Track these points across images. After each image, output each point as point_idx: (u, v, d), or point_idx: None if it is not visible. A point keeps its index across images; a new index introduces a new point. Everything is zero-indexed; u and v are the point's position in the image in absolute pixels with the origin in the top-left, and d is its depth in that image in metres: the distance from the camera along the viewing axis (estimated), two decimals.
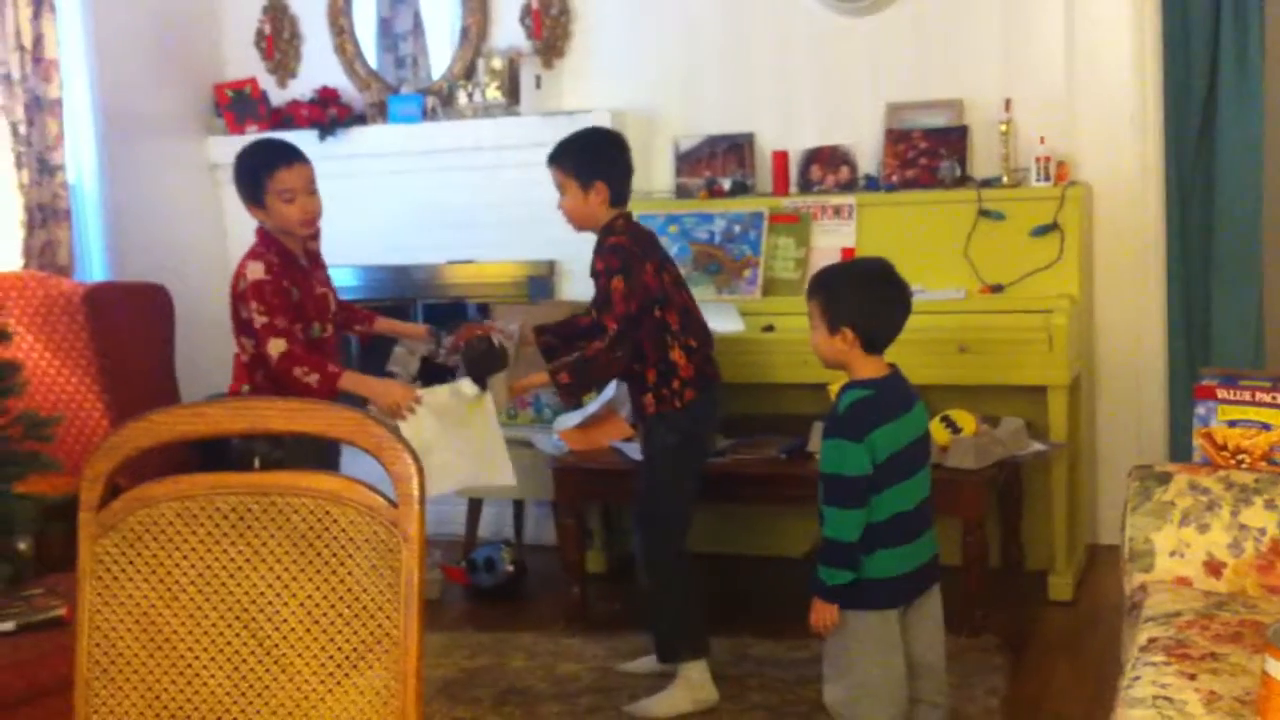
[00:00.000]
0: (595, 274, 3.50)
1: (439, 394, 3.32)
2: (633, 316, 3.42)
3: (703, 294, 4.61)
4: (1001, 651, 3.76)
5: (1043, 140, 4.42)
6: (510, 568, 4.47)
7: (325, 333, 3.47)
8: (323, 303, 3.49)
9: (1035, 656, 3.80)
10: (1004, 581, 4.18)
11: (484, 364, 3.34)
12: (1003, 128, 4.49)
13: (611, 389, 4.41)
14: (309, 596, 1.56)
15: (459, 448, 3.29)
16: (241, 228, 5.48)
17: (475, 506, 4.78)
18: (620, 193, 3.57)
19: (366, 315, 3.74)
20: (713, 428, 3.73)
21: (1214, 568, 2.72)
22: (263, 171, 3.39)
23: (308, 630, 1.56)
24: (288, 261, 3.39)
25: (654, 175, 5.02)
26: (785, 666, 3.73)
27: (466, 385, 3.32)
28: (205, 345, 5.24)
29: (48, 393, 4.11)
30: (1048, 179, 4.40)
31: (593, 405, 4.37)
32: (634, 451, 4.11)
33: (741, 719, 3.46)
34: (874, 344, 2.83)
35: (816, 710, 3.22)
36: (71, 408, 4.09)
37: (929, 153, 4.63)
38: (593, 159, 3.54)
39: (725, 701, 3.54)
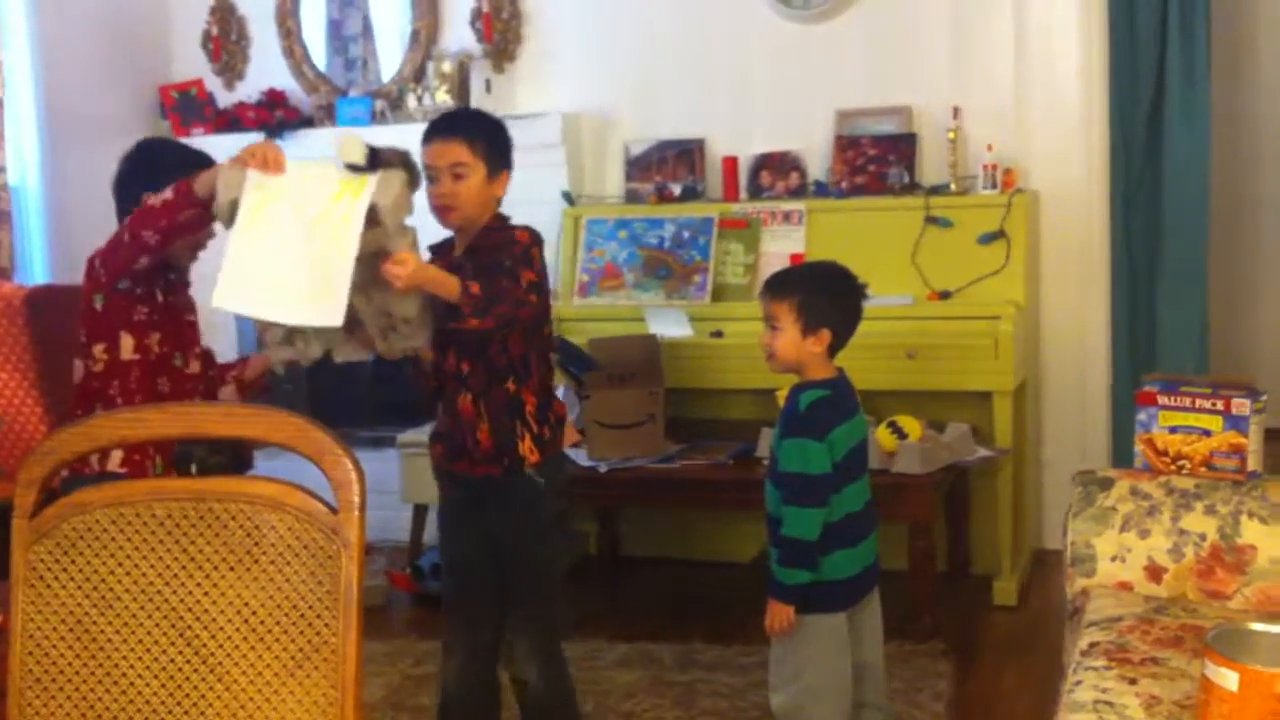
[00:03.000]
0: (508, 242, 2.81)
1: (311, 166, 2.59)
2: (542, 292, 2.80)
3: (652, 299, 4.63)
4: (947, 656, 3.78)
5: (990, 148, 4.46)
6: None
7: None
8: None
9: (981, 661, 3.83)
10: (950, 586, 4.21)
11: (393, 160, 2.56)
12: (951, 135, 4.52)
13: (559, 394, 4.40)
14: (246, 604, 1.54)
15: (299, 255, 2.46)
16: None
17: (420, 512, 4.74)
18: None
19: None
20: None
21: (1155, 573, 2.74)
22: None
23: (245, 638, 1.54)
24: None
25: (605, 179, 5.02)
26: (734, 672, 3.73)
27: (351, 149, 2.50)
28: None
29: None
30: (995, 186, 4.44)
31: None
32: (581, 457, 4.10)
33: None
34: (840, 345, 2.86)
35: (766, 716, 3.22)
36: (10, 412, 4.03)
37: (878, 159, 4.66)
38: (508, 147, 2.94)
39: (674, 708, 3.54)
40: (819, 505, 2.77)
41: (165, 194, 2.59)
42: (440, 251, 2.90)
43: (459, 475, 2.90)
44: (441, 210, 2.85)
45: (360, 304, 2.56)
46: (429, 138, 2.87)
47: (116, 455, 2.56)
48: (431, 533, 4.81)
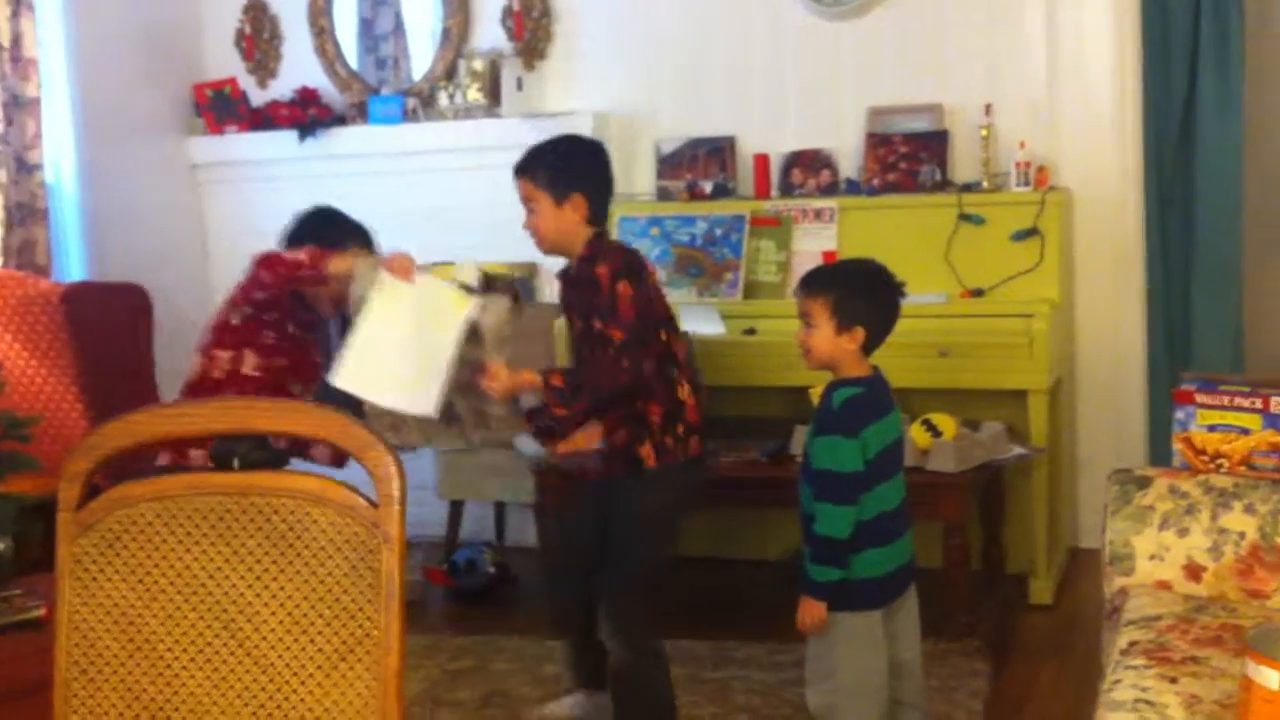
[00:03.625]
0: (591, 281, 3.00)
1: (434, 282, 3.02)
2: (639, 331, 2.97)
3: (684, 297, 4.63)
4: (983, 655, 3.76)
5: (1023, 145, 4.43)
6: (492, 570, 4.46)
7: None
8: None
9: (1017, 660, 3.81)
10: (985, 585, 4.19)
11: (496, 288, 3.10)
12: (983, 132, 4.50)
13: None
14: (289, 597, 1.55)
15: (409, 353, 2.88)
16: (221, 228, 5.50)
17: (456, 508, 4.77)
18: (599, 209, 3.11)
19: None
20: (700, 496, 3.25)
21: (1194, 571, 2.73)
22: None
23: (288, 631, 1.55)
24: None
25: (636, 178, 5.02)
26: (769, 669, 3.72)
27: (467, 272, 3.10)
28: (185, 346, 5.19)
29: (25, 392, 4.08)
30: (1028, 184, 4.41)
31: None
32: None
33: None
34: (874, 343, 2.85)
35: (800, 713, 3.23)
36: (50, 408, 4.06)
37: (910, 157, 4.64)
38: (568, 169, 3.10)
39: (709, 705, 3.54)
40: (850, 503, 2.76)
41: (299, 254, 3.07)
42: (562, 278, 3.20)
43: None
44: (535, 243, 3.17)
45: (458, 402, 2.97)
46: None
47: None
48: (467, 529, 4.83)
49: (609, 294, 2.97)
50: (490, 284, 3.14)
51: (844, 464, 2.75)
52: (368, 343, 2.85)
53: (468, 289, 2.96)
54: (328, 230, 3.28)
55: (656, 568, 3.14)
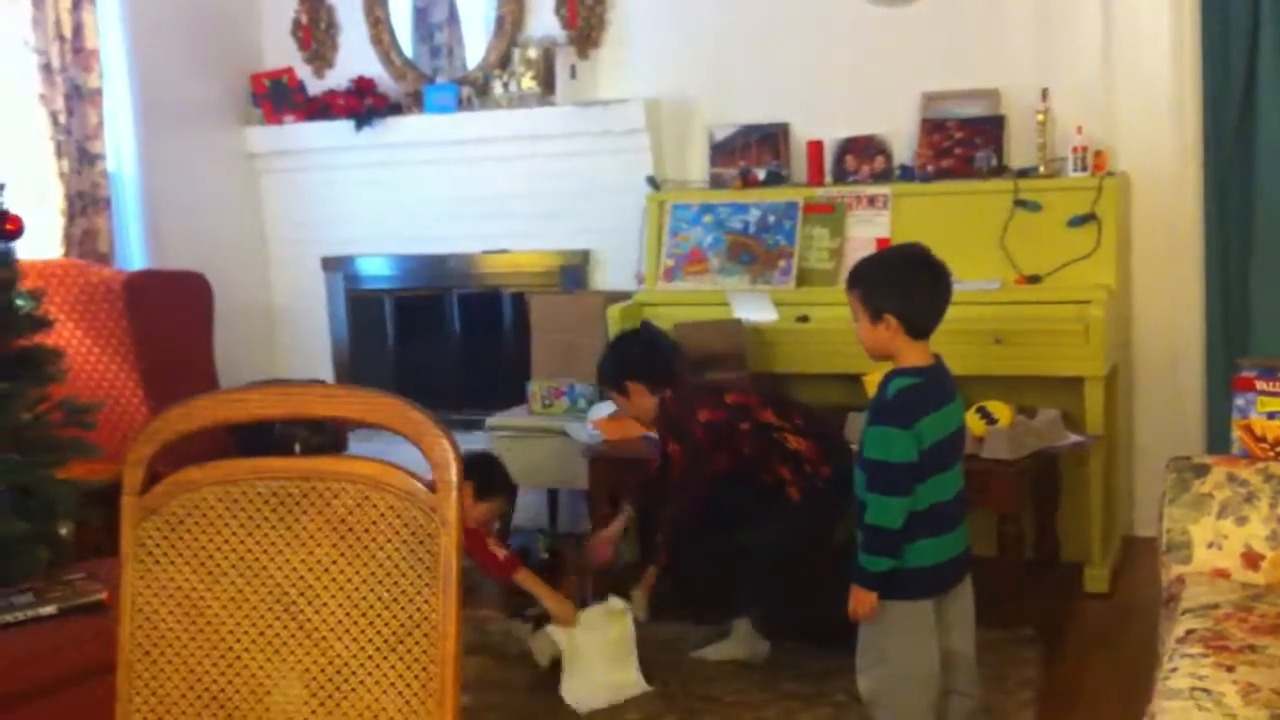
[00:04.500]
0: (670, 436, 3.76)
1: (593, 612, 3.67)
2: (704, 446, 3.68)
3: (736, 284, 4.63)
4: (1036, 644, 3.74)
5: (1080, 130, 4.39)
6: (545, 555, 4.47)
7: None
8: None
9: (1071, 649, 3.78)
10: (1039, 573, 4.16)
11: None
12: (1039, 117, 4.46)
13: None
14: (348, 580, 1.57)
15: (597, 657, 3.62)
16: (279, 217, 5.56)
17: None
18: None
19: None
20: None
21: (1252, 560, 2.70)
22: None
23: (347, 614, 1.57)
24: None
25: (688, 165, 5.02)
26: (818, 657, 3.72)
27: (615, 601, 3.67)
28: (243, 333, 5.29)
29: (88, 380, 4.15)
30: (1085, 169, 4.37)
31: None
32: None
33: (775, 708, 3.46)
34: (918, 329, 2.82)
35: (850, 700, 3.22)
36: (111, 394, 4.13)
37: (964, 142, 4.61)
38: (639, 365, 3.84)
39: (758, 691, 3.54)
40: (902, 494, 2.75)
41: (500, 552, 3.72)
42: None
43: None
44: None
45: None
46: None
47: None
48: (522, 515, 4.85)
49: (684, 461, 3.73)
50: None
51: (896, 455, 2.75)
52: (576, 672, 3.60)
53: (609, 606, 3.68)
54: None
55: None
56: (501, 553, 3.73)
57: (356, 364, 5.51)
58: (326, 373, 5.46)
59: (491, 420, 4.72)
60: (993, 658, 3.58)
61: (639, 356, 3.86)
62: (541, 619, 3.75)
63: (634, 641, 3.63)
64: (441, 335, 5.41)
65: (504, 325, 5.27)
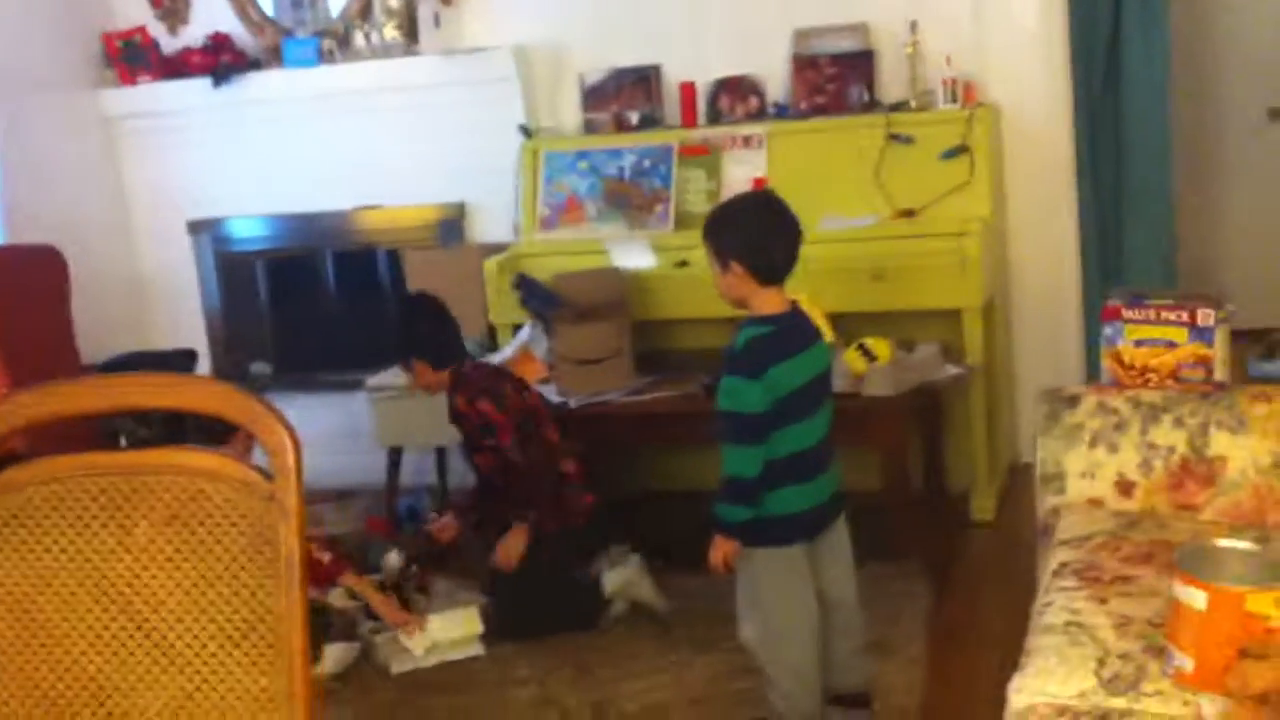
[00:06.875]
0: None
1: (446, 615, 3.65)
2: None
3: (614, 231, 4.57)
4: (925, 576, 3.77)
5: (949, 61, 4.37)
6: (435, 515, 4.41)
7: None
8: None
9: (959, 581, 3.82)
10: (927, 505, 4.19)
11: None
12: (909, 50, 4.43)
13: (526, 331, 4.35)
14: (185, 577, 1.50)
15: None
16: (140, 181, 5.36)
17: (395, 455, 4.71)
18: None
19: None
20: None
21: (1125, 488, 2.73)
22: None
23: (187, 611, 1.51)
24: None
25: (561, 111, 4.92)
26: (713, 600, 3.69)
27: (467, 597, 3.77)
28: (110, 305, 5.11)
29: None
30: (955, 101, 4.36)
31: (507, 349, 4.32)
32: (551, 393, 4.06)
33: (671, 654, 3.45)
34: (766, 275, 2.78)
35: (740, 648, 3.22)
36: None
37: (836, 79, 4.57)
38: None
39: (652, 640, 3.53)
40: (754, 444, 2.73)
41: (325, 555, 3.58)
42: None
43: None
44: None
45: None
46: None
47: None
48: (407, 476, 4.78)
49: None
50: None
51: (745, 405, 2.72)
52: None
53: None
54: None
55: None
56: (325, 556, 3.58)
57: (230, 329, 5.36)
58: (200, 340, 5.29)
59: (371, 381, 4.62)
60: (882, 593, 3.60)
61: (423, 333, 3.83)
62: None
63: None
64: (317, 296, 5.27)
65: (381, 283, 5.15)
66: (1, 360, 4.00)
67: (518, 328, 4.44)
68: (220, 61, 5.08)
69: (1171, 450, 2.71)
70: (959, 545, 4.07)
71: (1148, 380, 2.82)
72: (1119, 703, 1.99)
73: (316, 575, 3.49)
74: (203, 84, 5.07)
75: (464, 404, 3.74)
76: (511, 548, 3.72)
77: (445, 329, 3.84)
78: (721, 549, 2.78)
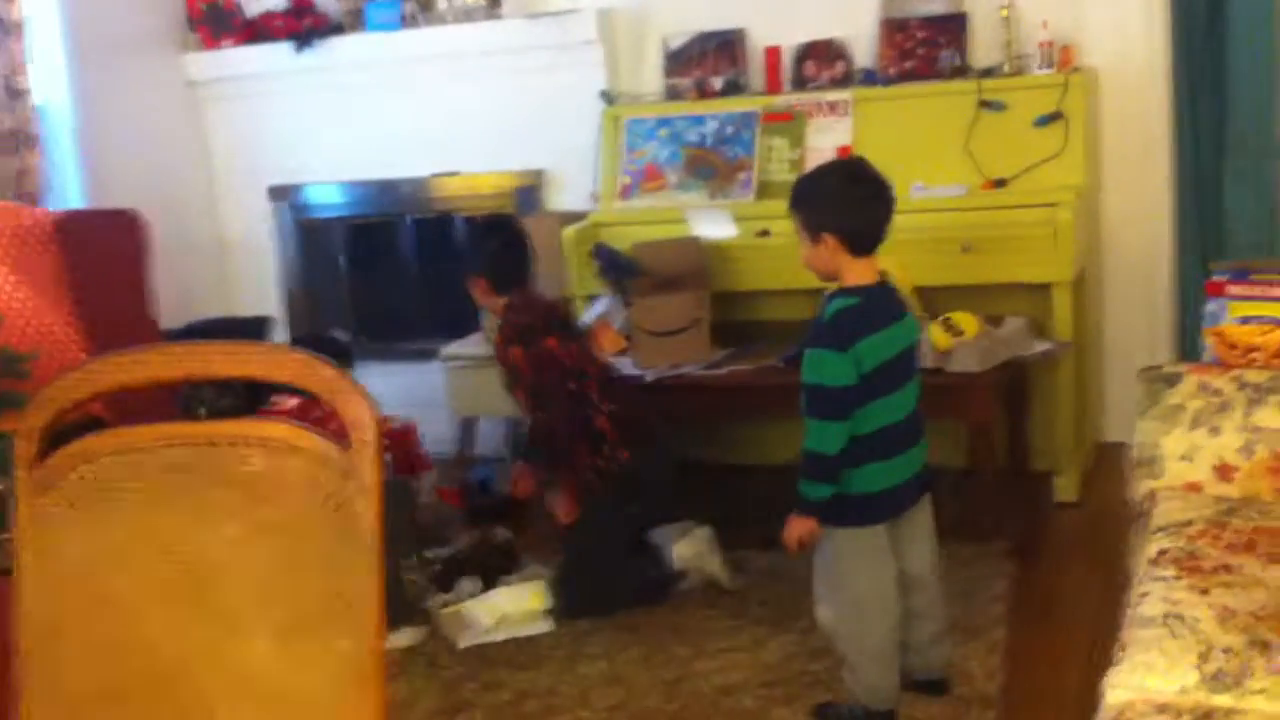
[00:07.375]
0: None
1: (513, 588, 3.67)
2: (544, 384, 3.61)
3: (695, 199, 4.50)
4: (1009, 557, 3.68)
5: (1045, 25, 4.24)
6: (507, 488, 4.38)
7: None
8: None
9: (1043, 561, 3.72)
10: (1011, 482, 4.08)
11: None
12: (1003, 12, 4.30)
13: (603, 302, 4.30)
14: (259, 550, 1.46)
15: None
16: (223, 145, 5.37)
17: (469, 425, 4.69)
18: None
19: None
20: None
21: (1225, 472, 2.62)
22: None
23: (260, 585, 1.47)
24: None
25: (643, 77, 4.85)
26: (786, 580, 3.65)
27: (536, 570, 3.78)
28: (193, 269, 5.14)
29: (25, 329, 3.98)
30: (1050, 66, 4.23)
31: (584, 320, 4.27)
32: (626, 366, 4.01)
33: (744, 633, 3.40)
34: (859, 246, 2.71)
35: (815, 625, 3.15)
36: (46, 342, 3.96)
37: (927, 43, 4.46)
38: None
39: (726, 619, 3.48)
40: (839, 419, 2.66)
41: None
42: None
43: None
44: None
45: None
46: None
47: None
48: (482, 445, 4.76)
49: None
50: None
51: (831, 378, 2.65)
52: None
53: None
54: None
55: None
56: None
57: (308, 295, 5.37)
58: (278, 306, 5.31)
59: (446, 350, 4.60)
60: (965, 572, 3.53)
61: (490, 251, 3.77)
62: (447, 580, 3.63)
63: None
64: (394, 263, 5.25)
65: (458, 251, 5.12)
66: (79, 326, 4.02)
67: (593, 298, 4.39)
68: (303, 25, 5.07)
69: (1276, 433, 2.59)
70: (1043, 526, 3.97)
71: (1252, 360, 2.71)
72: (1224, 700, 1.90)
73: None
74: (285, 48, 5.06)
75: (500, 343, 3.67)
76: (560, 504, 3.69)
77: (513, 253, 3.75)
78: (798, 527, 2.72)
